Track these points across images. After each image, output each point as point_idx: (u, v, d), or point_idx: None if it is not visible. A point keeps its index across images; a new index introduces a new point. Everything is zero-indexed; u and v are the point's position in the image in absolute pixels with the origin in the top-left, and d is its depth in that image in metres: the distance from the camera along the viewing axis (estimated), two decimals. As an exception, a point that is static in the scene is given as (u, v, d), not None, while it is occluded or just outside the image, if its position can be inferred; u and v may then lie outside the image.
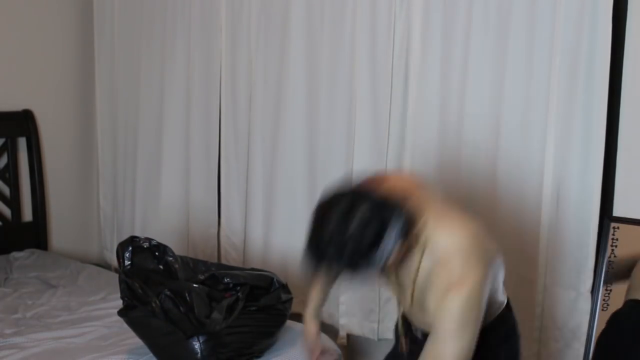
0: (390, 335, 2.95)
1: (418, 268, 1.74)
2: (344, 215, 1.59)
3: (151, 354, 2.34)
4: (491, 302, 1.82)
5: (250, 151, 3.32)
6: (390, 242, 1.60)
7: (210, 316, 2.24)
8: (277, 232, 3.23)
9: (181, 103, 3.56)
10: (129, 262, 2.37)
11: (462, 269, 1.67)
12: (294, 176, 3.15)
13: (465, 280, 1.66)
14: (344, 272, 1.65)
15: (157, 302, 2.23)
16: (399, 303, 2.02)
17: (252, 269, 2.56)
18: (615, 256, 2.33)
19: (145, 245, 2.42)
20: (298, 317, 2.51)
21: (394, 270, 1.81)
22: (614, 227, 2.33)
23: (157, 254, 2.43)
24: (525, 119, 2.52)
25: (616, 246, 2.33)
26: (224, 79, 3.38)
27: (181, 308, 2.23)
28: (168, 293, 2.25)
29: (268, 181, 3.25)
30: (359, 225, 1.57)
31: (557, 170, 2.46)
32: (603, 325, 2.36)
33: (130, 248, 2.38)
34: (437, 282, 1.70)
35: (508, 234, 2.54)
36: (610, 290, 2.34)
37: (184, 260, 2.48)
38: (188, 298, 2.24)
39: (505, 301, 1.95)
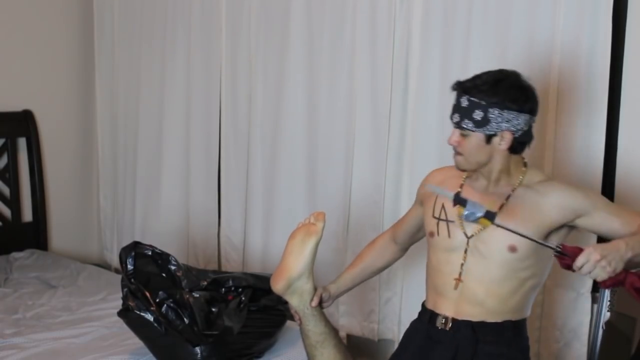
0: (390, 335, 2.95)
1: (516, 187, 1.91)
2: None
3: (151, 355, 2.34)
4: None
5: (250, 151, 3.32)
6: (524, 115, 1.84)
7: (216, 322, 2.24)
8: (277, 233, 3.22)
9: (181, 103, 3.56)
10: (132, 267, 2.36)
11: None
12: (293, 176, 3.15)
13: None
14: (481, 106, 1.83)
15: (160, 313, 2.23)
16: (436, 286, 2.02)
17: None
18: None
19: (149, 252, 2.42)
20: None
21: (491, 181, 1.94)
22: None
23: (159, 261, 2.43)
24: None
25: None
26: (224, 79, 3.38)
27: (185, 319, 2.24)
28: (171, 304, 2.25)
29: (268, 181, 3.25)
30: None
31: (558, 170, 2.46)
32: (608, 327, 2.33)
33: (133, 253, 2.38)
34: (549, 193, 1.88)
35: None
36: (616, 291, 2.32)
37: (187, 268, 2.48)
38: (190, 308, 2.24)
39: (530, 309, 2.01)
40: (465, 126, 1.86)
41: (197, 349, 2.21)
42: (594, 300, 2.44)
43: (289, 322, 2.49)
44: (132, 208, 3.84)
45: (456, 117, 1.88)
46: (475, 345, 1.90)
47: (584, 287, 2.44)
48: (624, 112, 2.35)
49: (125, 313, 2.32)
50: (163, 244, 3.68)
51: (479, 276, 1.91)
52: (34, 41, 3.76)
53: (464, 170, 1.95)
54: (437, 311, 1.98)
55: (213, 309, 2.30)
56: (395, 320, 2.92)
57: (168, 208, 3.66)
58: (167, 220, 3.66)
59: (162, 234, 3.64)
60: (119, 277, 2.39)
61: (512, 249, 1.86)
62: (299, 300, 2.10)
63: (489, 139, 1.86)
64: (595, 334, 2.30)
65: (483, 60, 2.57)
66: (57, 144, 3.90)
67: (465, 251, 1.92)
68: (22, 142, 3.76)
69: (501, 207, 1.89)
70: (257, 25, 3.23)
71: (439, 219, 1.99)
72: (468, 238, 1.92)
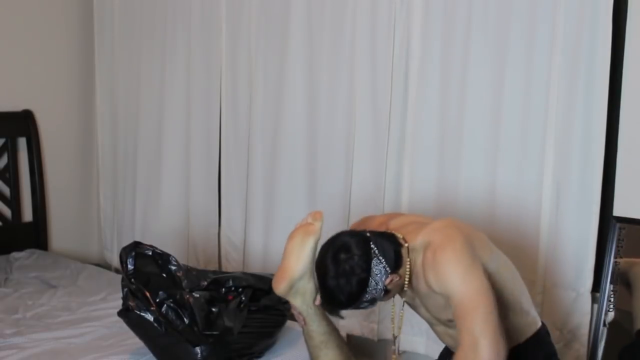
0: (390, 335, 2.94)
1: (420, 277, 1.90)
2: (335, 270, 1.86)
3: (151, 355, 2.34)
4: (516, 308, 1.94)
5: (251, 151, 3.32)
6: (379, 280, 1.85)
7: (216, 322, 2.24)
8: (277, 233, 3.22)
9: (181, 103, 3.56)
10: (132, 267, 2.36)
11: (441, 236, 1.86)
12: (294, 176, 3.15)
13: (444, 241, 1.84)
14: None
15: (160, 313, 2.23)
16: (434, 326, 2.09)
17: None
18: (621, 257, 2.32)
19: (149, 252, 2.41)
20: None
21: (410, 291, 1.96)
22: (620, 228, 2.32)
23: (160, 262, 2.43)
24: (525, 118, 2.51)
25: (622, 247, 2.32)
26: (224, 79, 3.38)
27: (185, 319, 2.24)
28: (171, 304, 2.25)
29: (268, 181, 3.25)
30: (346, 276, 1.84)
31: (557, 171, 2.46)
32: (609, 327, 2.34)
33: (134, 253, 2.38)
34: (424, 262, 1.86)
35: (508, 235, 2.54)
36: (616, 291, 2.33)
37: (188, 269, 2.47)
38: (190, 308, 2.24)
39: (540, 322, 2.02)
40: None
41: (197, 349, 2.21)
42: (594, 300, 2.44)
43: (289, 322, 2.49)
44: (132, 208, 3.84)
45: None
46: None
47: (583, 287, 2.44)
48: (624, 112, 2.35)
49: (125, 313, 2.32)
50: (163, 244, 3.68)
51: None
52: (34, 41, 3.76)
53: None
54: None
55: (213, 309, 2.29)
56: (395, 320, 2.92)
57: (168, 208, 3.66)
58: (167, 220, 3.66)
59: (162, 234, 3.64)
60: (119, 277, 2.39)
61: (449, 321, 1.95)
62: (302, 300, 2.09)
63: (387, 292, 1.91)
64: (595, 334, 2.30)
65: (483, 60, 2.58)
66: (57, 144, 3.90)
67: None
68: (22, 142, 3.76)
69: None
70: (257, 25, 3.23)
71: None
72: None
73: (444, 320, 1.97)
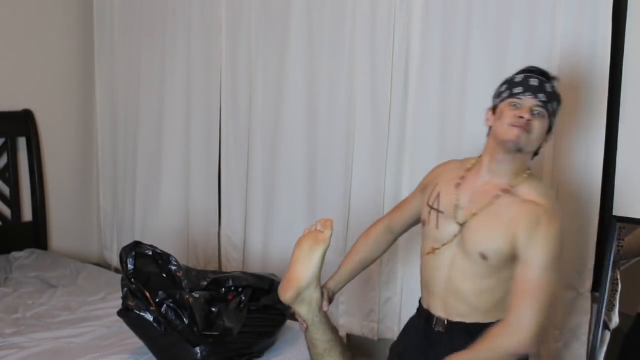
0: (390, 335, 2.95)
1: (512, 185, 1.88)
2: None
3: (151, 355, 2.34)
4: None
5: (251, 151, 3.32)
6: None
7: (216, 322, 2.24)
8: (277, 232, 3.23)
9: (181, 103, 3.56)
10: (132, 267, 2.36)
11: (553, 206, 1.84)
12: (294, 176, 3.15)
13: (556, 216, 1.81)
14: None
15: (160, 313, 2.23)
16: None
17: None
18: (621, 257, 2.31)
19: (149, 252, 2.41)
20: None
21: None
22: (620, 228, 2.32)
23: (160, 262, 2.43)
24: (525, 119, 2.51)
25: (622, 247, 2.32)
26: (224, 79, 3.38)
27: (185, 319, 2.23)
28: (171, 304, 2.25)
29: (268, 181, 3.25)
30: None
31: (557, 170, 2.46)
32: (613, 328, 2.33)
33: (134, 253, 2.38)
34: (520, 212, 1.82)
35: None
36: (617, 291, 2.32)
37: (188, 269, 2.47)
38: (190, 308, 2.24)
39: None
40: (550, 109, 1.87)
41: (197, 349, 2.21)
42: (594, 300, 2.44)
43: (289, 322, 2.49)
44: (132, 208, 3.84)
45: (542, 97, 1.85)
46: None
47: (583, 286, 2.44)
48: (624, 112, 2.35)
49: (125, 313, 2.32)
50: (163, 244, 3.68)
51: (462, 271, 1.90)
52: (33, 41, 3.76)
53: (519, 151, 1.87)
54: (432, 312, 1.98)
55: (213, 309, 2.30)
56: (395, 320, 2.93)
57: (168, 207, 3.66)
58: (168, 219, 3.66)
59: (162, 234, 3.64)
60: (119, 277, 2.39)
61: (483, 256, 1.86)
62: (308, 309, 2.07)
63: (549, 131, 1.89)
64: (595, 336, 2.30)
65: (483, 60, 2.58)
66: (57, 144, 3.90)
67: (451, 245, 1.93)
68: (22, 142, 3.76)
69: (481, 209, 1.89)
70: (257, 25, 3.23)
71: (431, 207, 1.99)
72: (455, 235, 1.92)
73: (473, 251, 1.87)
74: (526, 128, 1.82)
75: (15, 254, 3.57)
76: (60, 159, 3.94)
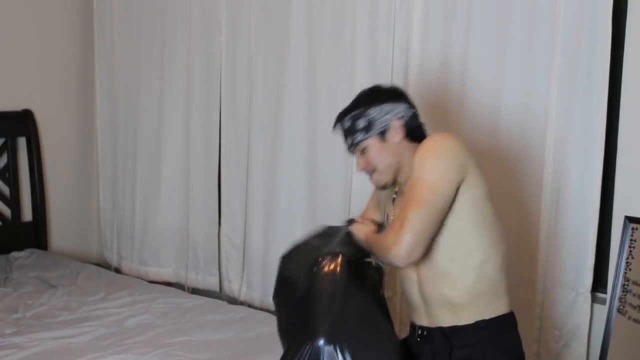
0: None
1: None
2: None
3: (151, 354, 2.33)
4: (485, 269, 1.84)
5: (251, 150, 3.32)
6: (402, 104, 1.89)
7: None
8: (277, 232, 3.22)
9: (181, 103, 3.56)
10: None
11: (430, 139, 1.84)
12: (294, 175, 3.15)
13: (441, 134, 1.85)
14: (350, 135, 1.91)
15: None
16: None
17: None
18: (632, 257, 2.30)
19: None
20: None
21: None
22: (633, 228, 2.31)
23: None
24: (525, 119, 2.51)
25: (634, 247, 2.31)
26: (224, 79, 3.38)
27: None
28: None
29: (268, 180, 3.25)
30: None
31: (557, 170, 2.46)
32: (618, 328, 2.30)
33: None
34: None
35: (508, 234, 2.53)
36: (627, 292, 2.31)
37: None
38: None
39: (510, 309, 1.91)
40: (358, 140, 1.90)
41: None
42: (594, 299, 2.44)
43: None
44: (132, 208, 3.84)
45: (348, 142, 1.94)
46: (449, 351, 1.86)
47: (583, 286, 2.44)
48: (624, 112, 2.35)
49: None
50: (163, 244, 3.71)
51: (422, 263, 1.87)
52: (34, 41, 3.76)
53: (383, 188, 1.95)
54: (416, 322, 1.97)
55: None
56: (395, 320, 2.92)
57: (168, 207, 3.66)
58: (167, 219, 3.66)
59: (162, 234, 3.64)
60: (119, 276, 2.39)
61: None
62: None
63: (382, 136, 1.89)
64: (605, 339, 2.27)
65: (482, 60, 2.58)
66: (57, 144, 3.90)
67: None
68: (22, 142, 3.76)
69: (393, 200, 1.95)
70: (257, 25, 3.23)
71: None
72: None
73: None
74: (368, 171, 1.93)
75: (15, 254, 3.57)
76: (60, 158, 3.94)
